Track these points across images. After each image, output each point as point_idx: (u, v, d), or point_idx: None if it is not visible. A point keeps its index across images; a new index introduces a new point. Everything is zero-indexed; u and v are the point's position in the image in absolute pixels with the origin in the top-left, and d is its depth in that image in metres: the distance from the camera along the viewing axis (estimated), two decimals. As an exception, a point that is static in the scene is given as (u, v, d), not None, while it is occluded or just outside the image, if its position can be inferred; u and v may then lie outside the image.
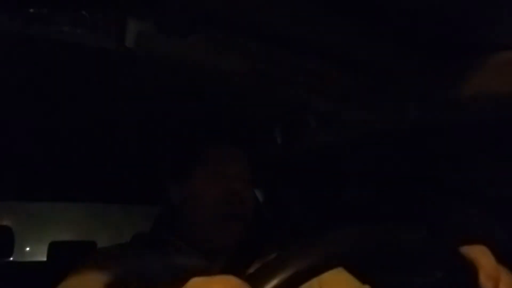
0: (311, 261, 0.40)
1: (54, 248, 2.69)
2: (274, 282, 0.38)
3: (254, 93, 1.03)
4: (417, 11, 0.68)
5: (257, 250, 1.01)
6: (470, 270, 0.51)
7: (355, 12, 0.69)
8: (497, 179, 1.09)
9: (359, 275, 0.95)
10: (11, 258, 2.64)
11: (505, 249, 0.56)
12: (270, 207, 1.70)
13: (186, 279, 0.42)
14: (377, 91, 0.88)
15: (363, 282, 0.94)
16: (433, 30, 0.72)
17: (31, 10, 0.63)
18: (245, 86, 0.97)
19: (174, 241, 0.98)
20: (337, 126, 1.08)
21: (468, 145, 1.05)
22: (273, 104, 1.10)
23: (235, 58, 0.78)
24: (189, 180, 1.01)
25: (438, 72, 0.79)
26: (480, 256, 0.53)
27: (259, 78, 0.87)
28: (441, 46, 0.76)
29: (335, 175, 1.49)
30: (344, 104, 0.97)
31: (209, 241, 0.96)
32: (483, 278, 0.51)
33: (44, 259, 2.67)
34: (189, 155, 1.05)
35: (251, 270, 0.42)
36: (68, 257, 2.52)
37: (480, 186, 1.13)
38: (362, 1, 0.67)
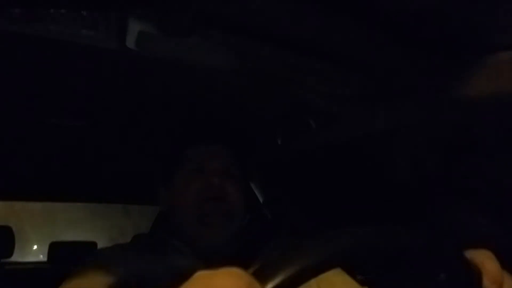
0: (313, 260, 0.40)
1: (54, 248, 2.70)
2: (276, 280, 0.38)
3: (253, 93, 1.03)
4: (418, 11, 0.68)
5: (257, 250, 1.01)
6: (474, 274, 0.51)
7: (355, 12, 0.69)
8: (499, 180, 1.09)
9: (358, 275, 0.95)
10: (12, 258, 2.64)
11: (507, 255, 0.56)
12: (270, 207, 1.70)
13: (185, 279, 0.42)
14: (377, 91, 0.88)
15: (362, 283, 0.94)
16: (433, 30, 0.72)
17: (31, 10, 0.63)
18: (244, 85, 0.97)
19: (173, 242, 0.99)
20: (337, 126, 1.08)
21: (469, 145, 1.05)
22: (273, 104, 1.10)
23: (234, 57, 0.78)
24: (173, 181, 1.02)
25: (438, 72, 0.79)
26: (485, 260, 0.53)
27: (258, 78, 0.87)
28: (441, 46, 0.76)
29: (335, 175, 1.49)
30: (345, 104, 0.97)
31: (197, 240, 0.96)
32: (487, 282, 0.51)
33: (45, 259, 2.68)
34: (172, 156, 1.05)
35: (252, 269, 0.42)
36: (68, 257, 2.52)
37: (483, 187, 1.13)
38: (363, 1, 0.67)
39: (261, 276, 0.39)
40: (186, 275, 0.44)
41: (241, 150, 1.09)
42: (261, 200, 1.71)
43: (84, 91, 1.00)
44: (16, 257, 2.72)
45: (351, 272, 0.96)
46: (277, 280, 0.38)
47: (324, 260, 0.40)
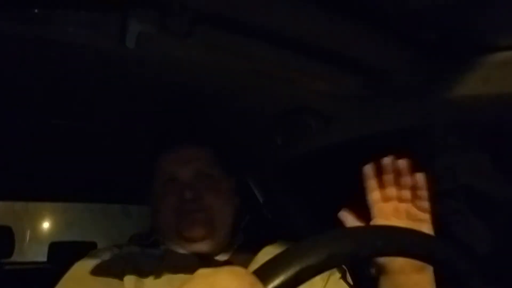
0: (316, 258, 0.40)
1: (54, 249, 2.70)
2: (279, 279, 0.38)
3: (253, 93, 1.02)
4: (417, 11, 0.68)
5: (256, 250, 1.01)
6: None
7: (355, 12, 0.69)
8: (496, 179, 1.09)
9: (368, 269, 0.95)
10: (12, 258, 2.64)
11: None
12: (270, 207, 1.70)
13: (182, 278, 0.41)
14: (377, 91, 0.88)
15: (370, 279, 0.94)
16: (433, 30, 0.72)
17: (31, 10, 0.63)
18: (243, 85, 0.97)
19: (168, 243, 0.98)
20: (336, 126, 1.08)
21: (466, 145, 1.05)
22: (272, 104, 1.09)
23: (234, 58, 0.78)
24: (151, 194, 1.00)
25: (437, 72, 0.79)
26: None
27: (258, 78, 0.87)
28: (441, 46, 0.76)
29: (334, 175, 1.49)
30: (344, 104, 0.97)
31: (185, 247, 0.95)
32: None
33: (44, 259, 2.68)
34: (146, 167, 1.03)
35: (250, 269, 0.42)
36: (68, 257, 2.52)
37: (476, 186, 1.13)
38: (362, 1, 0.67)
39: (263, 275, 0.39)
40: (182, 274, 0.44)
41: (229, 150, 1.07)
42: (260, 200, 1.71)
43: (84, 91, 1.00)
44: (16, 257, 2.71)
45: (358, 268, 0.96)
46: (278, 279, 0.38)
47: (325, 259, 0.40)
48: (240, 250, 1.01)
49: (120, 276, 0.87)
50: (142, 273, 0.88)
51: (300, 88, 0.91)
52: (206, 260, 0.95)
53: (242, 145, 1.29)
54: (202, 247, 0.94)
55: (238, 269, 0.39)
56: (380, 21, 0.70)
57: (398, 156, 0.82)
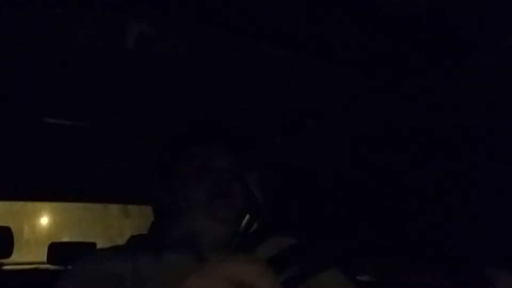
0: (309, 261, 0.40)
1: (54, 249, 2.70)
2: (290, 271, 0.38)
3: (252, 92, 1.03)
4: (418, 12, 0.68)
5: (255, 250, 1.01)
6: None
7: (356, 12, 0.69)
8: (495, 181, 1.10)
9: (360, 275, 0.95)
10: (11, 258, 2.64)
11: None
12: (270, 207, 1.70)
13: (181, 276, 0.42)
14: (377, 90, 0.89)
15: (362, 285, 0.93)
16: (434, 30, 0.72)
17: (31, 11, 0.63)
18: (242, 85, 0.97)
19: (168, 242, 0.99)
20: (335, 125, 1.08)
21: (466, 145, 1.05)
22: (271, 104, 1.10)
23: (233, 58, 0.78)
24: (175, 179, 1.02)
25: (438, 71, 0.80)
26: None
27: (257, 78, 0.87)
28: (442, 46, 0.76)
29: (334, 175, 1.50)
30: (344, 103, 0.97)
31: (203, 236, 0.96)
32: None
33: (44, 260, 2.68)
34: (173, 154, 1.06)
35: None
36: (67, 258, 2.52)
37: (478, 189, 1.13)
38: (363, 3, 0.67)
39: (275, 264, 0.39)
40: (182, 273, 0.44)
41: (240, 150, 1.09)
42: (260, 200, 1.71)
43: (84, 91, 1.00)
44: (15, 257, 2.72)
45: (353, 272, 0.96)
46: (290, 270, 0.38)
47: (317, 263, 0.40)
48: (238, 249, 1.01)
49: (119, 277, 0.87)
50: (141, 274, 0.88)
51: (300, 88, 0.91)
52: (206, 259, 0.95)
53: (242, 144, 1.30)
54: (226, 231, 0.97)
55: (250, 257, 0.40)
56: (380, 22, 0.70)
57: None
